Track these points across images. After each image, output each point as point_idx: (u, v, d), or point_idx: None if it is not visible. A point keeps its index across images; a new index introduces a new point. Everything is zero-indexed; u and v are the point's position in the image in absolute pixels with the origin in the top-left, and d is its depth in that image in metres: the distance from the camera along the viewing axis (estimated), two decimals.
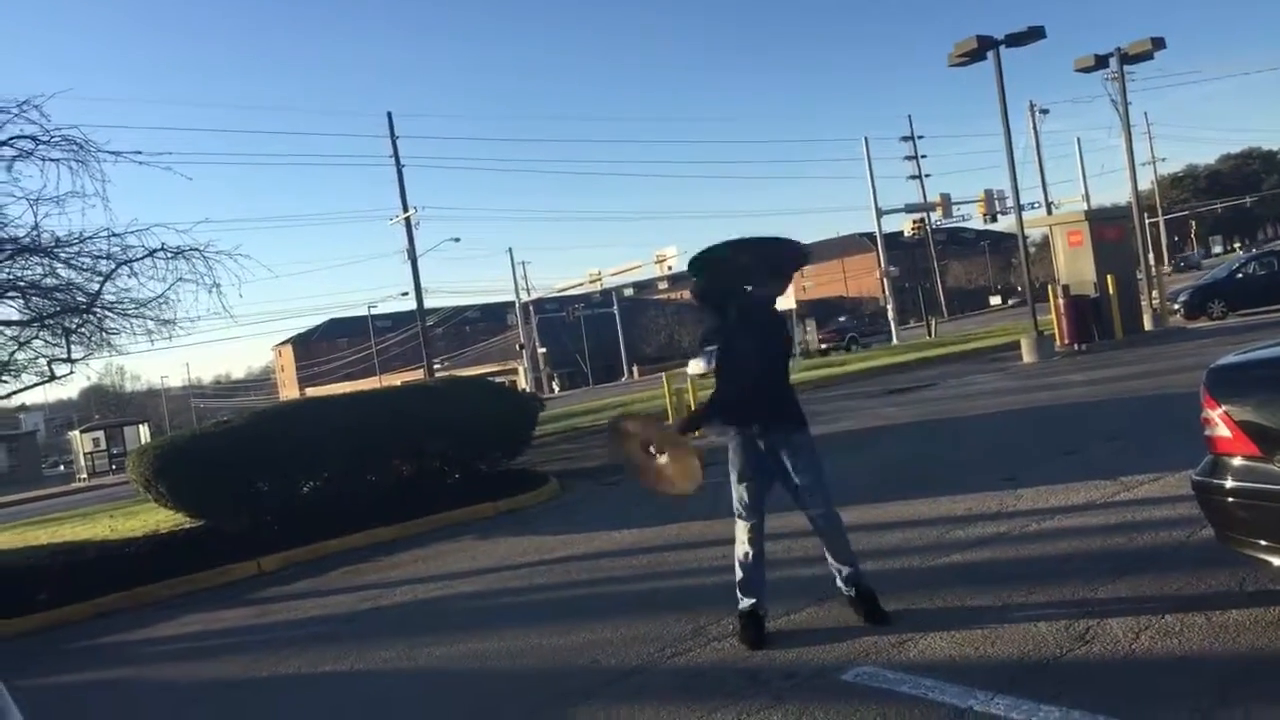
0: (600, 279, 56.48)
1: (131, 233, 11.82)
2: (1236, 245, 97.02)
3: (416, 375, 51.46)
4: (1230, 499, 4.02)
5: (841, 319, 54.73)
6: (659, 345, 75.38)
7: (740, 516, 5.07)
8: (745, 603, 5.06)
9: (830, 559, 5.13)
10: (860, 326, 48.85)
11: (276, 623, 7.88)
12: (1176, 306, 25.14)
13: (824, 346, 46.24)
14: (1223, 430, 4.03)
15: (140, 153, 12.33)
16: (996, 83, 21.80)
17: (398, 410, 12.51)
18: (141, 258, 11.79)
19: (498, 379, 31.40)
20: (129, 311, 12.14)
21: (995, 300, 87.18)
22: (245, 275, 17.20)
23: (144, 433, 50.59)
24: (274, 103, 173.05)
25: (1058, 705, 3.62)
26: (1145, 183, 67.11)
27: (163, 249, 11.85)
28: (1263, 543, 3.93)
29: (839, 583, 5.13)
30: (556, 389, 67.51)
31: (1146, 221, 31.92)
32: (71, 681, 7.13)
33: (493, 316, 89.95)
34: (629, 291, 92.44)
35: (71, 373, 12.90)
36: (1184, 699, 3.49)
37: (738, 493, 5.07)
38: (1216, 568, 4.75)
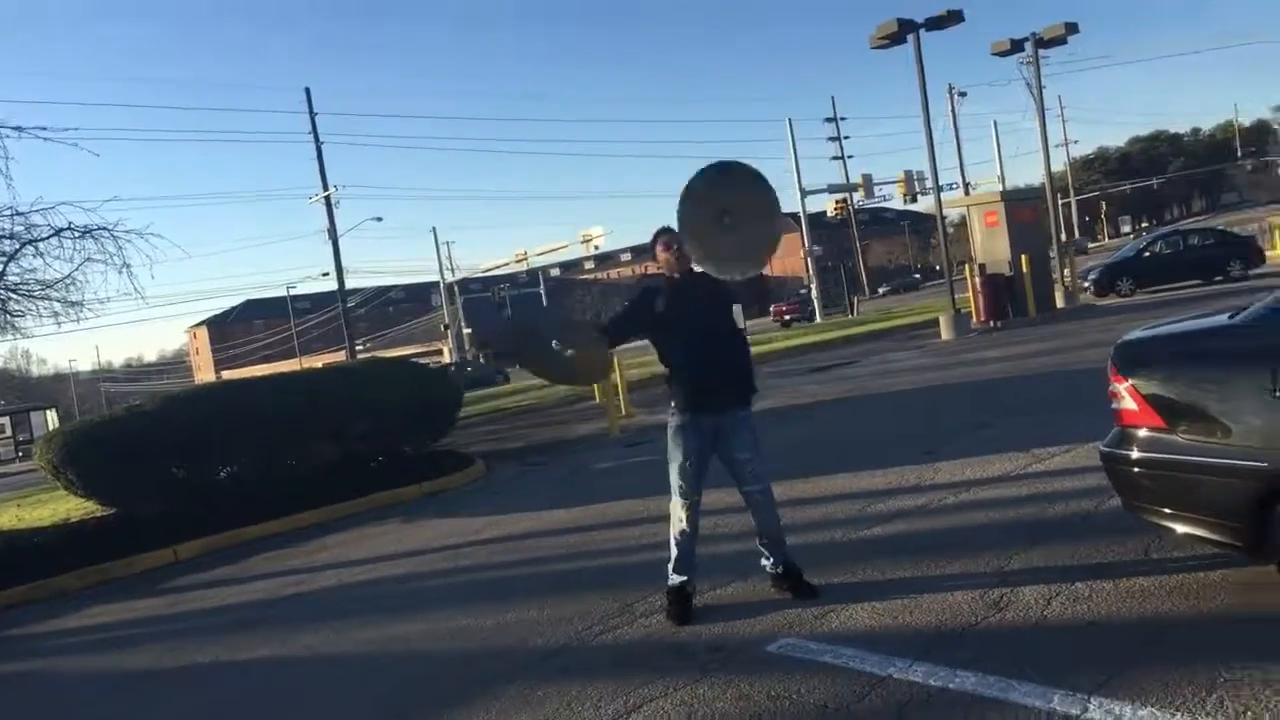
0: (526, 259, 56.10)
1: (36, 211, 11.40)
2: (1144, 225, 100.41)
3: (338, 357, 50.60)
4: (1136, 469, 4.16)
5: (802, 291, 55.50)
6: None
7: (680, 494, 5.03)
8: (675, 579, 5.07)
9: (760, 537, 5.17)
10: (823, 297, 49.53)
11: (194, 610, 7.70)
12: (1087, 284, 25.94)
13: (787, 318, 46.87)
14: (1129, 403, 4.17)
15: (45, 128, 11.86)
16: (916, 66, 22.16)
17: (318, 392, 12.29)
18: (47, 237, 11.37)
19: (422, 360, 31.01)
20: (34, 293, 11.71)
21: (917, 277, 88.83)
22: (157, 255, 16.73)
23: (52, 418, 48.84)
24: (190, 78, 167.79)
25: (973, 671, 3.72)
26: (1058, 164, 69.05)
27: (70, 228, 11.45)
28: (1167, 510, 4.09)
29: (764, 561, 5.19)
30: None
31: (1059, 202, 32.84)
32: None
33: (417, 297, 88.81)
34: (555, 272, 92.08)
35: None
36: (1093, 661, 3.62)
37: (680, 470, 5.02)
38: (1124, 535, 4.93)
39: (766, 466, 5.13)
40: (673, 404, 5.10)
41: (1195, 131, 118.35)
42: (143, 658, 6.45)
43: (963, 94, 46.01)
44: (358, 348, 42.63)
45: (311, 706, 4.89)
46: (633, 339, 5.36)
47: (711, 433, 5.02)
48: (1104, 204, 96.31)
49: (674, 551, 5.08)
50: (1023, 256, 21.14)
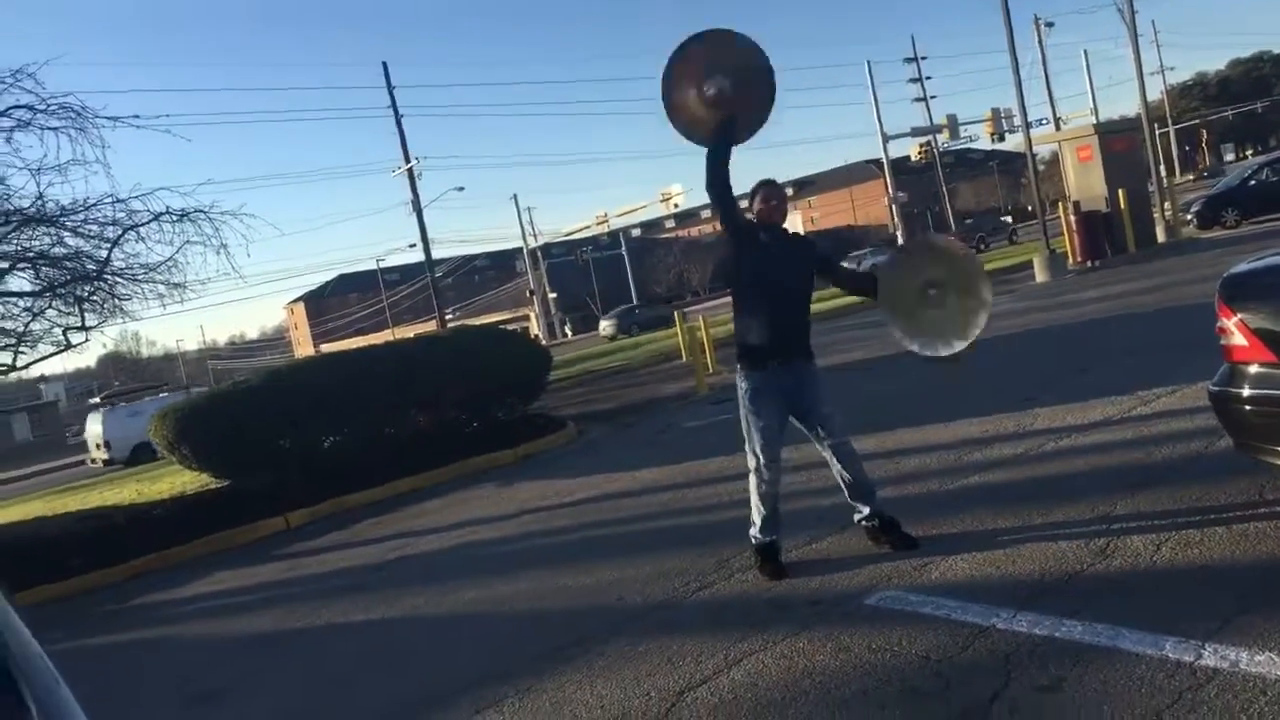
0: (607, 220, 56.09)
1: (135, 198, 11.83)
2: (1248, 152, 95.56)
3: (428, 327, 51.54)
4: (1248, 407, 4.01)
5: (968, 221, 55.43)
6: (668, 284, 75.08)
7: (761, 454, 5.02)
8: (763, 538, 5.09)
9: (847, 493, 5.14)
10: (990, 225, 49.42)
11: (306, 576, 8.02)
12: (1189, 217, 24.86)
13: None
14: (1239, 339, 4.01)
15: (138, 116, 12.28)
16: None
17: (413, 362, 12.56)
18: (147, 222, 11.80)
19: (509, 326, 31.45)
20: (139, 276, 12.18)
21: (1007, 220, 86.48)
22: (252, 235, 17.27)
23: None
24: (266, 60, 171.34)
25: (1080, 620, 3.66)
26: (1154, 93, 65.93)
27: (168, 212, 11.86)
28: None
29: (856, 515, 5.16)
30: (569, 333, 67.56)
31: (1156, 132, 31.45)
32: (107, 642, 7.30)
33: (501, 264, 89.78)
34: (636, 232, 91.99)
35: (87, 340, 13.00)
36: (1205, 608, 3.52)
37: (758, 431, 5.01)
38: (1235, 477, 4.76)
39: (843, 420, 5.10)
40: (739, 365, 5.09)
41: None
42: (263, 621, 6.75)
43: (1050, 24, 43.97)
44: (447, 316, 43.30)
45: (421, 664, 5.06)
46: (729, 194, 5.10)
47: (786, 391, 4.99)
48: (1204, 132, 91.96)
49: (760, 513, 5.06)
50: (1120, 191, 20.35)
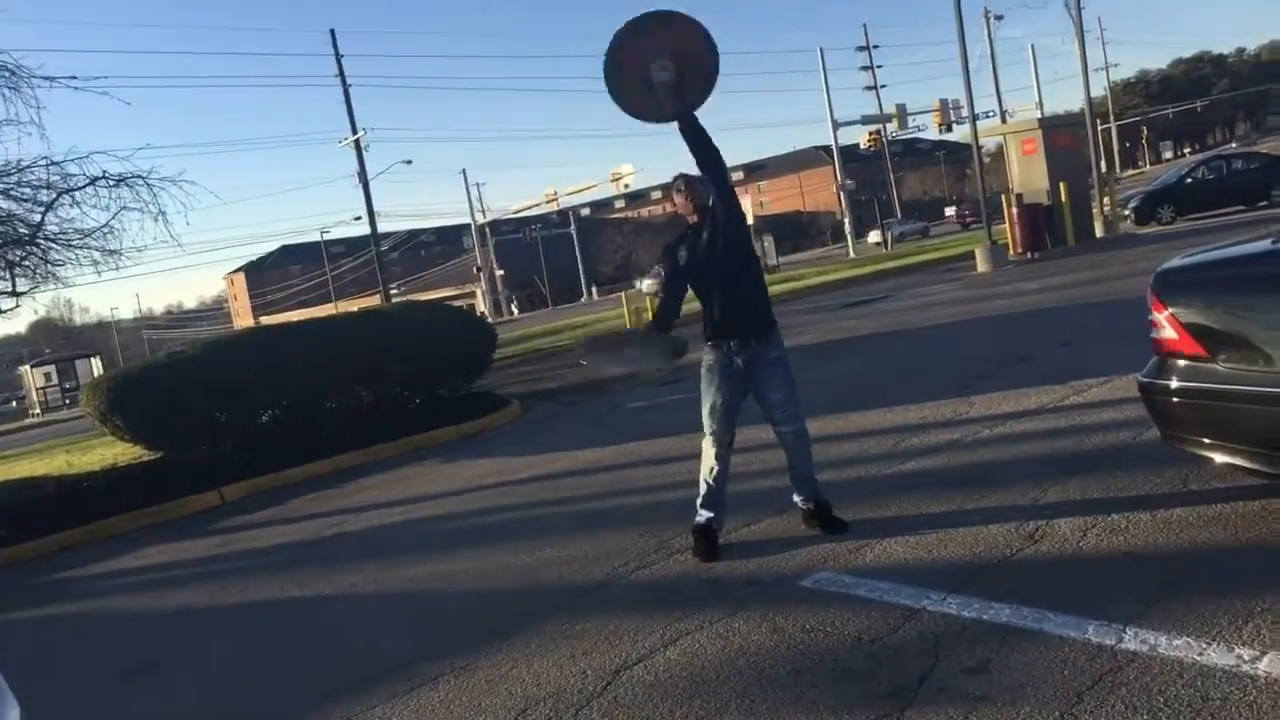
0: (556, 199, 55.83)
1: (71, 160, 11.54)
2: (1186, 150, 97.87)
3: (373, 301, 50.95)
4: (1175, 399, 4.12)
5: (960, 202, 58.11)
6: (617, 265, 74.91)
7: (711, 433, 5.06)
8: (703, 516, 5.12)
9: (792, 477, 5.20)
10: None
11: (241, 551, 7.91)
12: (1127, 213, 25.42)
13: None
14: (1169, 332, 4.11)
15: (75, 77, 12.01)
16: None
17: (356, 336, 12.41)
18: (83, 186, 11.51)
19: (456, 303, 31.18)
20: (73, 242, 11.90)
21: (950, 211, 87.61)
22: (192, 202, 16.94)
23: (97, 365, 49.81)
24: (213, 23, 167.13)
25: (1008, 603, 3.74)
26: (1098, 89, 67.13)
27: (104, 176, 11.58)
28: (1206, 440, 4.05)
29: (795, 497, 5.23)
30: (516, 311, 67.16)
31: (1099, 128, 32.06)
32: (36, 616, 7.13)
33: (449, 239, 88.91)
34: (586, 211, 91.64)
35: (17, 306, 12.67)
36: (1129, 592, 3.63)
37: (711, 409, 5.05)
38: (1161, 467, 4.90)
39: (799, 407, 5.13)
40: (705, 340, 5.13)
41: (1240, 52, 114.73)
42: (197, 595, 6.65)
43: (999, 17, 44.67)
44: (392, 291, 42.88)
45: (356, 642, 5.03)
46: (683, 302, 5.25)
47: (744, 373, 5.02)
48: (1145, 129, 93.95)
49: (703, 488, 5.12)
50: (1061, 185, 20.73)
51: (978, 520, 4.78)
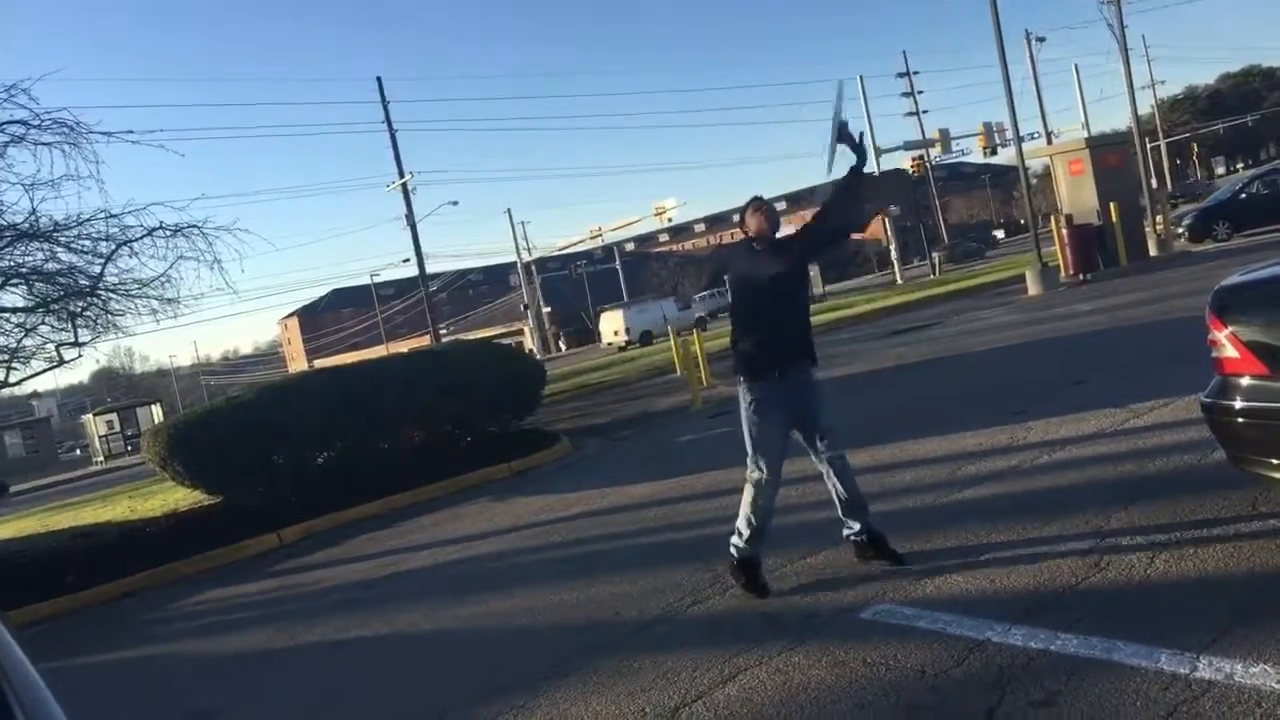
0: (601, 234, 56.25)
1: (129, 212, 11.84)
2: (1239, 165, 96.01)
3: (422, 341, 51.49)
4: (1240, 419, 4.02)
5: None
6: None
7: (760, 467, 4.99)
8: (747, 550, 5.03)
9: (840, 508, 5.12)
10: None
11: (300, 593, 7.98)
12: (1181, 230, 24.96)
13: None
14: (1230, 351, 4.02)
15: (131, 131, 12.28)
16: (991, 12, 21.51)
17: (407, 377, 12.55)
18: (141, 237, 11.79)
19: (504, 341, 31.44)
20: (132, 292, 12.16)
21: (999, 234, 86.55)
22: (246, 250, 17.26)
23: (157, 413, 50.72)
24: (259, 75, 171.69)
25: (1075, 633, 3.65)
26: (1145, 106, 66.23)
27: (161, 227, 11.86)
28: (1274, 461, 3.94)
29: (846, 530, 5.14)
30: (564, 347, 67.52)
31: (1148, 146, 31.60)
32: (100, 661, 7.25)
33: (496, 278, 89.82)
34: (630, 246, 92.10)
35: (80, 356, 12.98)
36: (1202, 619, 3.52)
37: (761, 442, 4.99)
38: (1228, 489, 4.77)
39: (839, 435, 5.10)
40: (741, 376, 5.10)
41: None
42: (256, 638, 6.72)
43: (1041, 39, 44.30)
44: (441, 331, 43.32)
45: (414, 681, 5.04)
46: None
47: (787, 402, 4.99)
48: (1195, 145, 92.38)
49: (750, 524, 5.00)
50: (1111, 205, 20.43)
51: (1040, 548, 4.68)
